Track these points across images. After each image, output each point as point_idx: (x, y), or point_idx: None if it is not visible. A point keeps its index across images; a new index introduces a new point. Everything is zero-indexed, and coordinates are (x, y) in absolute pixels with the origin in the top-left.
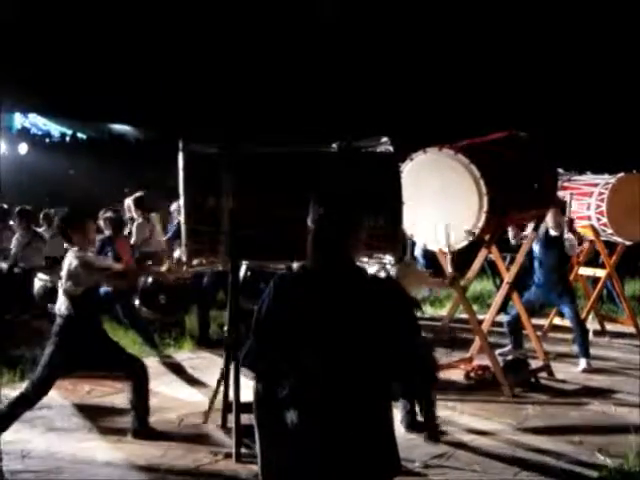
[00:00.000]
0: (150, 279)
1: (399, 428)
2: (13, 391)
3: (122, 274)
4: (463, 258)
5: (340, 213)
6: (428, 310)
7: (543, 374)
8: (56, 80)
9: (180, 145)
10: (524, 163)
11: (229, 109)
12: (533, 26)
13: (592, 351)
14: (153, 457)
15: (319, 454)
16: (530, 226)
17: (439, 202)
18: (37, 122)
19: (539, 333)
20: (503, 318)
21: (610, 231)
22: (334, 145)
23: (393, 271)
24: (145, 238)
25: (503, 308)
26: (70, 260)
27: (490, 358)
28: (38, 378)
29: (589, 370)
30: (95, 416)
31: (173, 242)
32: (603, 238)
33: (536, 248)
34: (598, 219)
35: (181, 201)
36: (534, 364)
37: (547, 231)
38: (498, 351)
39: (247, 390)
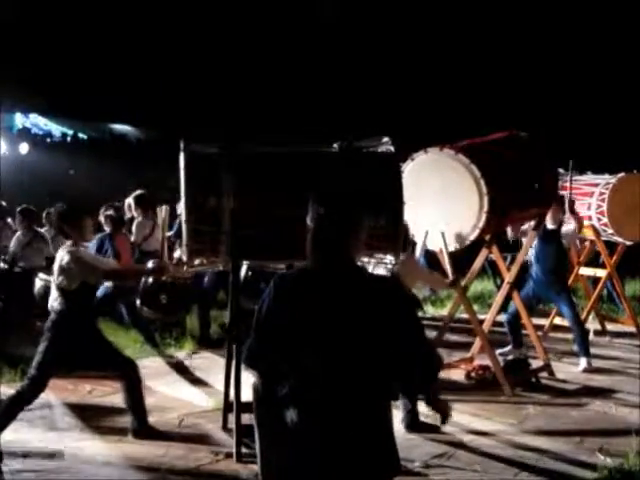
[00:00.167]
0: (151, 279)
1: (399, 428)
2: (14, 390)
3: (117, 272)
4: (463, 258)
5: (340, 213)
6: (429, 310)
7: (544, 374)
8: (57, 80)
9: (181, 145)
10: (524, 163)
11: (229, 109)
12: (533, 26)
13: (593, 351)
14: (154, 457)
15: (319, 454)
16: (530, 224)
17: (440, 202)
18: (38, 122)
19: (540, 333)
20: (504, 318)
21: (611, 231)
22: (335, 145)
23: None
24: (145, 236)
25: (504, 308)
26: (62, 255)
27: (491, 358)
28: (33, 375)
29: (589, 370)
30: (95, 416)
31: (174, 241)
32: (604, 238)
33: (534, 243)
34: (599, 219)
35: (182, 201)
36: (535, 364)
37: (545, 225)
38: (499, 351)
39: (248, 390)
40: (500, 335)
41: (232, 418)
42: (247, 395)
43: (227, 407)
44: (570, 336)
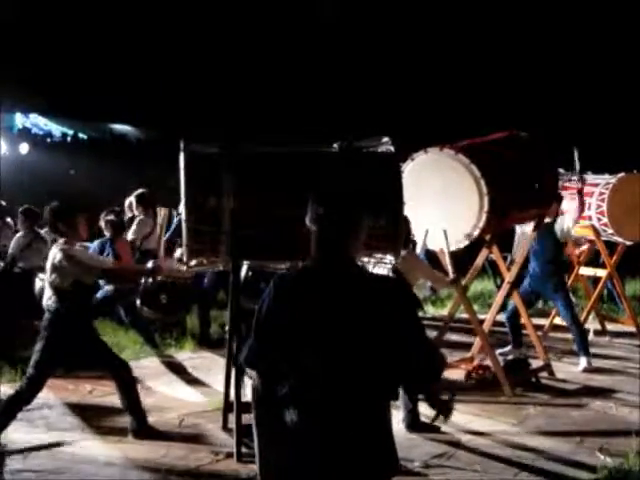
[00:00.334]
0: (151, 279)
1: (400, 428)
2: (13, 390)
3: (113, 272)
4: (464, 258)
5: (340, 213)
6: (430, 310)
7: (544, 374)
8: (57, 80)
9: (181, 145)
10: (525, 163)
11: (229, 109)
12: (533, 26)
13: (593, 351)
14: (154, 457)
15: (318, 454)
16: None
17: (440, 202)
18: (38, 122)
19: (540, 333)
20: (504, 317)
21: (611, 231)
22: (335, 145)
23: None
24: (146, 235)
25: (504, 308)
26: (55, 253)
27: (491, 358)
28: (31, 375)
29: (590, 370)
30: (96, 416)
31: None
32: (604, 238)
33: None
34: (599, 219)
35: (182, 201)
36: (535, 364)
37: None
38: (499, 351)
39: (248, 390)
40: (500, 335)
41: (232, 418)
42: (247, 395)
43: (227, 407)
44: (570, 336)
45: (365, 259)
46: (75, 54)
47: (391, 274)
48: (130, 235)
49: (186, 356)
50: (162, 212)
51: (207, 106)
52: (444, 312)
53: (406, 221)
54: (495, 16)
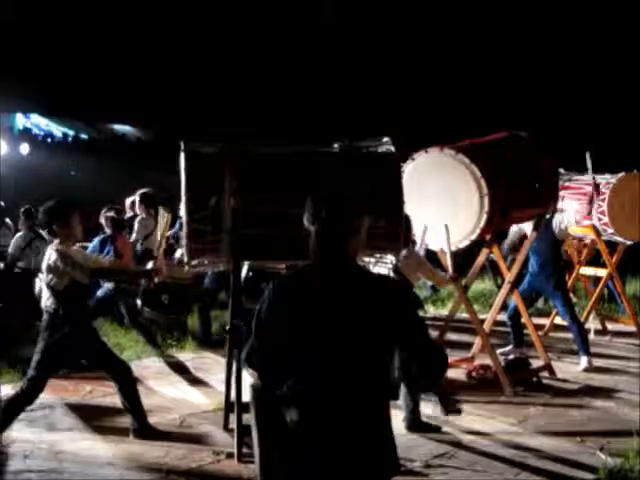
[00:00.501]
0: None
1: (401, 428)
2: (14, 391)
3: (109, 271)
4: (464, 258)
5: (341, 213)
6: (430, 309)
7: (544, 373)
8: (57, 81)
9: (181, 145)
10: (525, 163)
11: (230, 109)
12: (533, 26)
13: (593, 350)
14: (155, 457)
15: (318, 454)
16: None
17: (440, 202)
18: (39, 123)
19: (540, 333)
20: (505, 317)
21: (611, 231)
22: (335, 145)
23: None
24: (147, 234)
25: (505, 307)
26: (50, 254)
27: (492, 357)
28: (32, 376)
29: (590, 369)
30: (97, 416)
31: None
32: (604, 238)
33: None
34: (599, 219)
35: (182, 201)
36: (535, 363)
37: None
38: (499, 350)
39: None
40: (501, 335)
41: (233, 418)
42: (248, 395)
43: (228, 407)
44: (571, 335)
45: (366, 259)
46: (76, 55)
47: (392, 274)
48: (133, 235)
49: (187, 356)
50: (165, 215)
51: (207, 106)
52: (445, 312)
53: (407, 220)
54: (495, 16)
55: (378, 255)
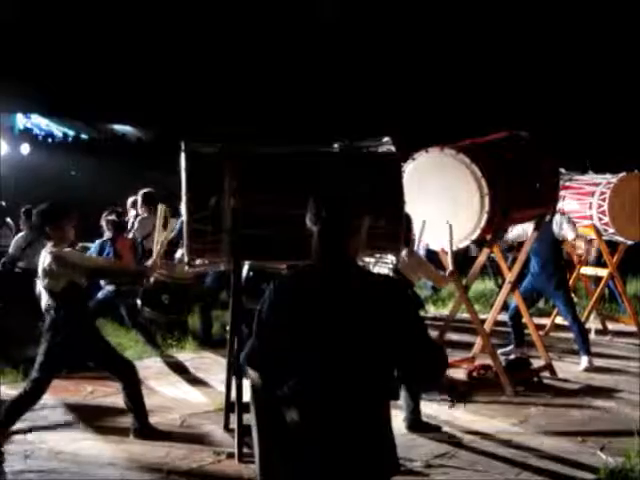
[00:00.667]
0: (152, 279)
1: (401, 428)
2: (16, 391)
3: (105, 270)
4: (465, 257)
5: (341, 213)
6: (431, 309)
7: (545, 373)
8: (58, 81)
9: (182, 145)
10: (525, 163)
11: (230, 109)
12: (533, 26)
13: (594, 350)
14: (156, 457)
15: (319, 454)
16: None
17: (441, 202)
18: (39, 123)
19: (541, 332)
20: (505, 317)
21: (612, 230)
22: (336, 145)
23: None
24: (148, 233)
25: (506, 307)
26: (44, 257)
27: (492, 357)
28: (36, 377)
29: (591, 369)
30: (97, 416)
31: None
32: (605, 237)
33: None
34: (600, 219)
35: (183, 201)
36: (536, 363)
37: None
38: (500, 350)
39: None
40: (502, 334)
41: (234, 418)
42: (248, 395)
43: (229, 407)
44: (571, 335)
45: (366, 259)
46: (76, 55)
47: (392, 274)
48: (131, 233)
49: (187, 356)
50: (161, 209)
51: (207, 106)
52: (445, 312)
53: (408, 220)
54: (495, 16)
55: (378, 255)
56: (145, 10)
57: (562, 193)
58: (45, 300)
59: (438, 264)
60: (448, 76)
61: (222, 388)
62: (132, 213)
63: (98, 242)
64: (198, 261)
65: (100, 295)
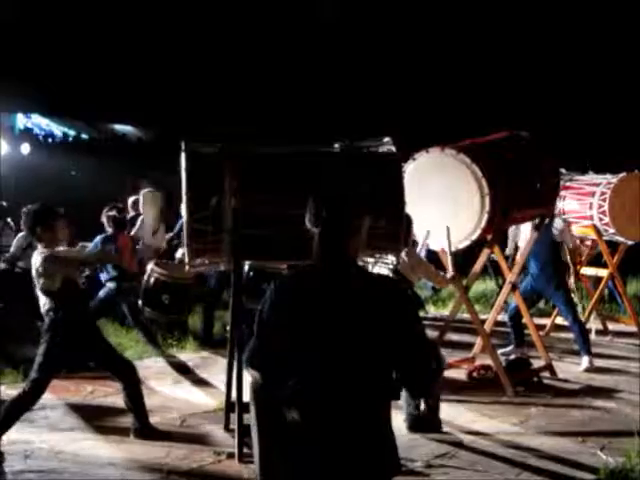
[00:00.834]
0: (152, 279)
1: (401, 428)
2: (16, 391)
3: (93, 260)
4: (465, 258)
5: (342, 213)
6: (431, 309)
7: (545, 373)
8: (58, 81)
9: (182, 145)
10: (526, 163)
11: (230, 109)
12: (533, 26)
13: (594, 350)
14: (156, 457)
15: (319, 454)
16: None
17: (441, 202)
18: (39, 123)
19: (541, 333)
20: (505, 317)
21: (612, 231)
22: (336, 145)
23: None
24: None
25: (506, 308)
26: (36, 259)
27: (492, 357)
28: (35, 378)
29: (591, 369)
30: (98, 416)
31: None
32: (605, 238)
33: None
34: (600, 219)
35: (183, 201)
36: (536, 363)
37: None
38: (500, 351)
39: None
40: (502, 335)
41: (234, 418)
42: (248, 395)
43: (229, 407)
44: (572, 335)
45: (366, 259)
46: (76, 54)
47: (392, 274)
48: (133, 230)
49: (188, 356)
50: (152, 195)
51: (207, 106)
52: (446, 312)
53: (408, 220)
54: (495, 16)
55: (378, 255)
56: (145, 10)
57: (562, 193)
58: (43, 302)
59: (438, 264)
60: (448, 76)
61: (222, 388)
62: (132, 213)
63: (99, 238)
64: (198, 261)
65: (101, 294)
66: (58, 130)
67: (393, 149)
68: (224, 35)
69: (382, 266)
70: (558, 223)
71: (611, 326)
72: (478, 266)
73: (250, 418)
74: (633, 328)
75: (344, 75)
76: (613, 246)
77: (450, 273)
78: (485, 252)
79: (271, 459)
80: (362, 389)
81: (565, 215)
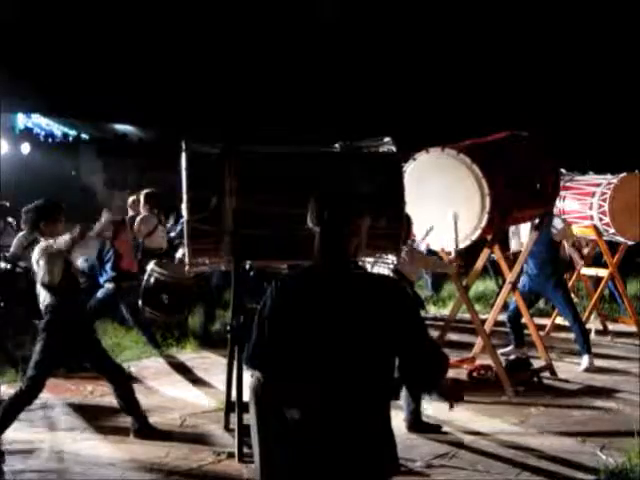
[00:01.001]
0: (152, 279)
1: (401, 428)
2: (14, 391)
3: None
4: (466, 258)
5: (342, 213)
6: (431, 309)
7: (545, 373)
8: (58, 80)
9: (182, 145)
10: (526, 163)
11: (230, 109)
12: (533, 26)
13: (594, 350)
14: (156, 457)
15: (319, 454)
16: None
17: (441, 202)
18: (40, 122)
19: (541, 333)
20: (505, 317)
21: (612, 231)
22: (337, 145)
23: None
24: (149, 232)
25: (506, 308)
26: (35, 254)
27: (493, 357)
28: (31, 375)
29: (591, 369)
30: (98, 416)
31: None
32: (605, 238)
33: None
34: (600, 219)
35: (184, 201)
36: (536, 363)
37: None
38: (500, 351)
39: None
40: (502, 335)
41: (234, 418)
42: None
43: (229, 407)
44: (572, 335)
45: (366, 259)
46: (76, 54)
47: (392, 274)
48: (133, 231)
49: (188, 356)
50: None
51: (208, 106)
52: (446, 312)
53: (408, 220)
54: (495, 16)
55: (378, 255)
56: (146, 10)
57: (562, 193)
58: (43, 298)
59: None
60: (448, 76)
61: (222, 388)
62: (131, 213)
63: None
64: (198, 261)
65: (100, 294)
66: (58, 130)
67: (393, 149)
68: (224, 35)
69: (382, 266)
70: (557, 223)
71: (611, 326)
72: (478, 266)
73: (250, 418)
74: (633, 328)
75: (344, 75)
76: (613, 246)
77: (450, 258)
78: (485, 252)
79: (271, 459)
80: (362, 389)
81: (565, 215)
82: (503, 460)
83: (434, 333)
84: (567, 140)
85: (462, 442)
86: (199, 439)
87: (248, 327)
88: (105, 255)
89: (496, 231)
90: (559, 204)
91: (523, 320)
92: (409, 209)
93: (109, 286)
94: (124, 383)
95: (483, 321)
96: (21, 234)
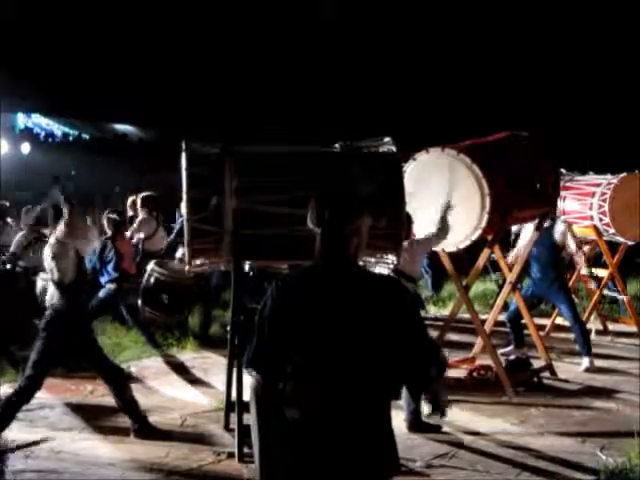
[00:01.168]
0: (152, 278)
1: (402, 428)
2: (12, 389)
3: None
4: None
5: (342, 213)
6: (431, 309)
7: (545, 374)
8: (58, 80)
9: (182, 145)
10: (526, 163)
11: (230, 109)
12: (533, 26)
13: (594, 350)
14: (156, 457)
15: (319, 454)
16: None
17: (441, 202)
18: (40, 122)
19: (541, 333)
20: (504, 317)
21: (612, 231)
22: (337, 145)
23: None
24: (149, 235)
25: (506, 308)
26: (46, 251)
27: (493, 358)
28: (30, 374)
29: (591, 369)
30: (98, 416)
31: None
32: (605, 238)
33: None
34: (600, 219)
35: (184, 201)
36: (536, 364)
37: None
38: (500, 351)
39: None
40: (502, 335)
41: (234, 418)
42: (248, 395)
43: (229, 407)
44: (572, 336)
45: (367, 259)
46: (76, 54)
47: (392, 274)
48: (130, 230)
49: (188, 356)
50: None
51: (208, 106)
52: (446, 312)
53: (408, 220)
54: (495, 16)
55: (378, 255)
56: (146, 10)
57: (562, 193)
58: (50, 296)
59: (438, 264)
60: (448, 76)
61: (222, 388)
62: (130, 213)
63: (100, 240)
64: (198, 261)
65: (101, 294)
66: (58, 130)
67: (393, 149)
68: (224, 35)
69: (382, 266)
70: (559, 225)
71: (611, 326)
72: (478, 266)
73: (250, 418)
74: (633, 328)
75: (344, 75)
76: (613, 246)
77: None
78: (486, 252)
79: (271, 459)
80: (363, 389)
81: (565, 215)
82: (503, 460)
83: (434, 333)
84: (567, 140)
85: (462, 442)
86: (199, 439)
87: (248, 327)
88: (106, 255)
89: (496, 231)
90: (559, 204)
91: (523, 320)
92: (409, 209)
93: (111, 286)
94: (122, 383)
95: (483, 321)
96: (21, 233)
